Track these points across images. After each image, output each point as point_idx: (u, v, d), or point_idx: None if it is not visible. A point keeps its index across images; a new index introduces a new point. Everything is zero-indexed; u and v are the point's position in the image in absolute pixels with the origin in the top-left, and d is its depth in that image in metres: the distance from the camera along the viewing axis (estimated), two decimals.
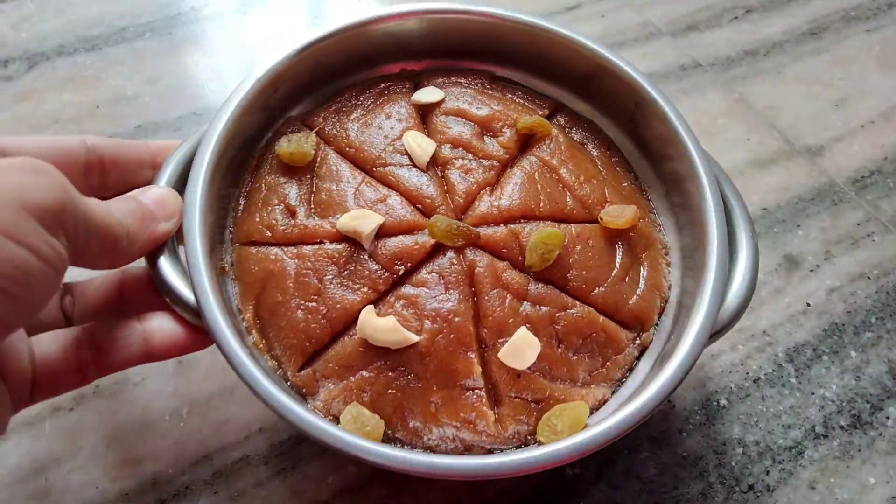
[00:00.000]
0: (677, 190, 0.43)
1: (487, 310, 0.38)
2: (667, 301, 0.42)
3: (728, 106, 0.65)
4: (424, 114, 0.46)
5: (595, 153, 0.46)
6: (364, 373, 0.36)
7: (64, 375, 0.35)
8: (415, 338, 0.36)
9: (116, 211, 0.33)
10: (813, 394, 0.47)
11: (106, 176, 0.38)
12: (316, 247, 0.39)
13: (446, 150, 0.43)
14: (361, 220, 0.39)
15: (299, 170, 0.43)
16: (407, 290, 0.38)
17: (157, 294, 0.37)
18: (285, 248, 0.40)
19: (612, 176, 0.45)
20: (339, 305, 0.37)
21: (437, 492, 0.42)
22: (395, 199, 0.41)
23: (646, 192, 0.46)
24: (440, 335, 0.36)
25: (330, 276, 0.38)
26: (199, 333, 0.37)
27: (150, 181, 0.39)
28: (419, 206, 0.41)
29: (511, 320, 0.37)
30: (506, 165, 0.43)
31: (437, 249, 0.39)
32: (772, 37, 0.71)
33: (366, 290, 0.38)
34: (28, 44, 0.65)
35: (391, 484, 0.42)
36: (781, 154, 0.61)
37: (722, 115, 0.64)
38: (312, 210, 0.41)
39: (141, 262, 0.37)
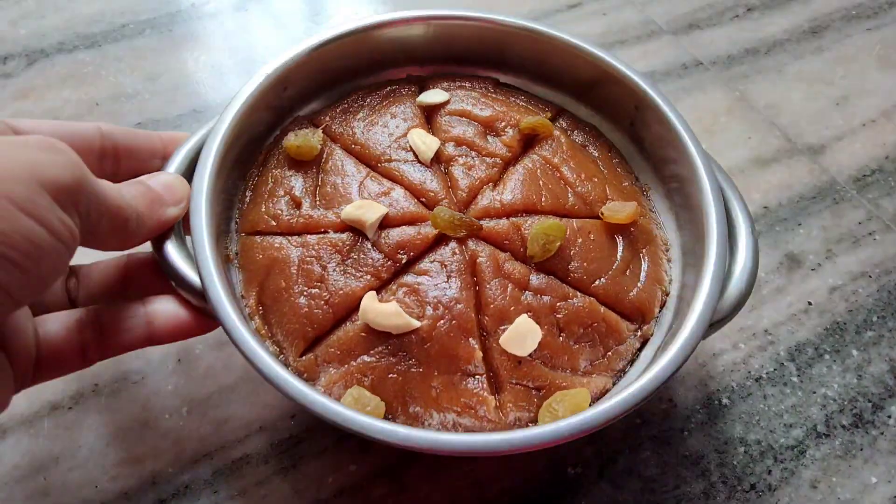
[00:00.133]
0: (678, 191, 0.44)
1: (489, 298, 0.38)
2: (667, 295, 0.42)
3: (729, 104, 0.64)
4: (429, 114, 0.47)
5: (596, 154, 0.47)
6: (365, 357, 0.37)
7: (67, 357, 0.35)
8: (416, 323, 0.36)
9: (127, 193, 0.34)
10: (814, 393, 0.47)
11: (119, 163, 0.39)
12: (320, 236, 0.40)
13: (450, 148, 0.44)
14: (365, 209, 0.39)
15: (305, 164, 0.43)
16: (409, 278, 0.38)
17: (161, 278, 0.37)
18: (290, 238, 0.40)
19: (613, 175, 0.45)
20: (341, 292, 0.38)
21: (438, 490, 0.42)
22: (398, 192, 0.41)
23: (646, 193, 0.46)
24: (441, 321, 0.37)
25: (333, 265, 0.39)
26: (202, 317, 0.37)
27: (159, 170, 0.40)
28: (422, 199, 0.42)
29: (512, 308, 0.38)
30: (508, 163, 0.44)
31: (440, 240, 0.40)
32: (773, 35, 0.71)
33: (369, 277, 0.38)
34: (28, 40, 0.65)
35: (392, 483, 0.42)
36: (783, 152, 0.61)
37: (723, 114, 0.64)
38: (317, 202, 0.41)
39: (146, 247, 0.38)
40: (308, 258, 0.39)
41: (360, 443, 0.43)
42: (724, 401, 0.47)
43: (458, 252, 0.39)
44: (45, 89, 0.61)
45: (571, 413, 0.35)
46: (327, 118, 0.46)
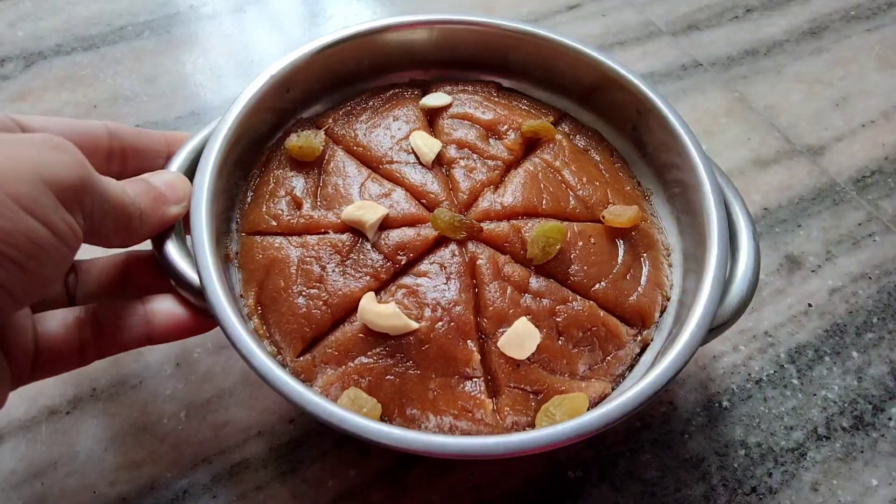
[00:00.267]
0: (680, 196, 0.44)
1: (488, 301, 0.38)
2: (668, 300, 0.42)
3: (728, 105, 0.64)
4: (431, 117, 0.47)
5: (598, 158, 0.47)
6: (363, 359, 0.36)
7: (65, 355, 0.35)
8: (415, 325, 0.36)
9: (131, 191, 0.34)
10: (815, 395, 0.47)
11: (126, 163, 0.39)
12: (320, 236, 0.40)
13: (452, 151, 0.44)
14: (366, 210, 0.39)
15: (307, 165, 0.43)
16: (408, 279, 0.38)
17: (161, 277, 0.37)
18: (290, 238, 0.40)
19: (614, 180, 0.45)
20: (340, 292, 0.38)
21: (438, 495, 0.42)
22: (399, 194, 0.41)
23: (648, 197, 0.46)
24: (440, 322, 0.37)
25: (333, 265, 0.39)
26: (200, 316, 0.37)
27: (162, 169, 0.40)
28: (423, 201, 0.42)
29: (511, 311, 0.38)
30: (510, 166, 0.44)
31: (440, 242, 0.40)
32: (772, 36, 0.71)
33: (368, 278, 0.38)
34: (25, 43, 0.65)
35: (392, 487, 0.42)
36: (782, 153, 0.61)
37: (722, 115, 0.64)
38: (318, 202, 0.42)
39: (147, 245, 0.38)
40: (307, 258, 0.39)
41: (359, 447, 0.43)
42: (725, 403, 0.46)
43: (457, 254, 0.39)
44: (42, 91, 0.61)
45: (569, 417, 0.34)
46: (330, 120, 0.46)
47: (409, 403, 0.36)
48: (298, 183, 0.43)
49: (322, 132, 0.44)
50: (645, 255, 0.42)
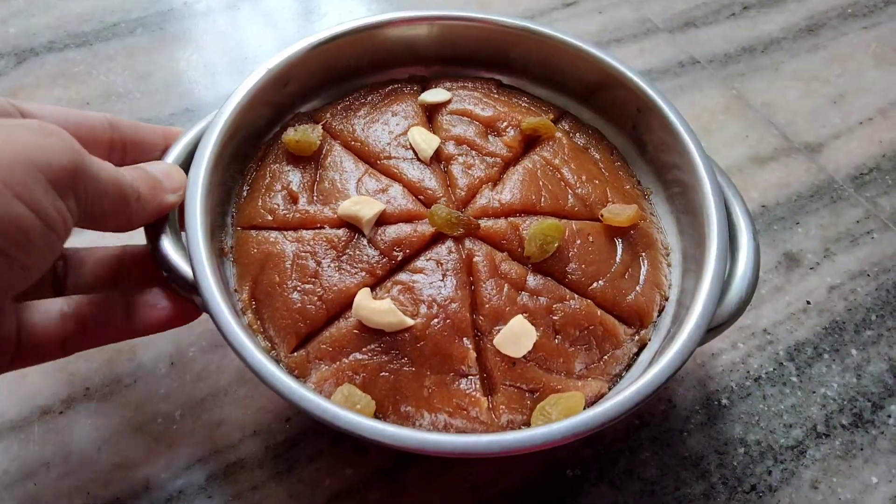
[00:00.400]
0: (680, 195, 0.43)
1: (484, 298, 0.38)
2: (667, 300, 0.41)
3: (726, 103, 0.64)
4: (430, 113, 0.47)
5: (598, 157, 0.46)
6: (357, 355, 0.36)
7: (47, 346, 0.35)
8: (410, 321, 0.36)
9: (128, 174, 0.33)
10: (814, 392, 0.47)
11: (125, 155, 0.39)
12: (316, 231, 0.40)
13: (450, 147, 0.44)
14: (362, 205, 0.39)
15: (304, 159, 0.43)
16: (404, 276, 0.38)
17: (154, 273, 0.37)
18: (285, 233, 0.40)
19: (614, 178, 0.45)
20: (335, 288, 0.38)
21: (435, 494, 0.42)
22: (396, 190, 0.41)
23: (648, 196, 0.46)
24: (435, 319, 0.36)
25: (328, 260, 0.38)
26: (183, 305, 0.37)
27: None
28: (420, 197, 0.41)
29: (508, 309, 0.37)
30: (509, 163, 0.44)
31: (437, 239, 0.40)
32: (769, 33, 0.70)
33: (363, 274, 0.38)
34: (17, 39, 0.64)
35: (389, 486, 0.42)
36: (780, 151, 0.61)
37: (720, 112, 0.63)
38: (315, 197, 0.41)
39: (142, 240, 0.37)
40: (303, 253, 0.39)
41: (356, 445, 0.43)
42: (724, 401, 0.46)
43: (454, 251, 0.39)
44: (34, 88, 0.61)
45: (565, 417, 0.34)
46: (328, 115, 0.46)
47: (404, 400, 0.36)
48: (295, 177, 0.42)
49: (319, 127, 0.44)
50: (643, 254, 0.42)
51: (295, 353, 0.37)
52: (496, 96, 0.47)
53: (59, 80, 0.61)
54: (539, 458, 0.43)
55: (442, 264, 0.38)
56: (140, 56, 0.64)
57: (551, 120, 0.47)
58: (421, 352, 0.36)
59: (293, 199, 0.41)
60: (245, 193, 0.43)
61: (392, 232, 0.39)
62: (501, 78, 0.50)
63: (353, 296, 0.37)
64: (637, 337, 0.40)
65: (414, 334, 0.36)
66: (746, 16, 0.72)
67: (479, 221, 0.40)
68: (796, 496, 0.43)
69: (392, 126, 0.44)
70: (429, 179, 0.42)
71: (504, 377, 0.36)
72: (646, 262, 0.42)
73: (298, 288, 0.38)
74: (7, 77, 0.61)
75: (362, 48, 0.47)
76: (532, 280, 0.39)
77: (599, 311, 0.39)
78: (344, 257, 0.39)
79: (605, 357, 0.39)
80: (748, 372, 0.48)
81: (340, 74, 0.48)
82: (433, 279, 0.38)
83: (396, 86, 0.48)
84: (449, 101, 0.46)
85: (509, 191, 0.41)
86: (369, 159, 0.43)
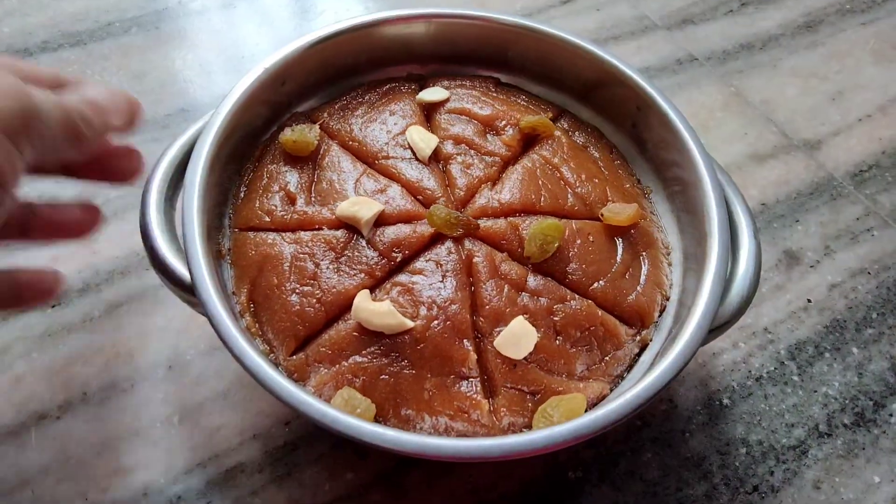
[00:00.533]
0: (680, 194, 0.43)
1: (484, 299, 0.37)
2: (668, 299, 0.41)
3: (724, 100, 0.64)
4: (429, 112, 0.46)
5: (597, 155, 0.46)
6: (357, 358, 0.36)
7: None
8: (410, 323, 0.36)
9: (67, 100, 0.32)
10: (815, 392, 0.47)
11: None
12: (314, 233, 0.39)
13: (449, 147, 0.44)
14: (361, 206, 0.39)
15: (302, 159, 0.43)
16: (403, 277, 0.38)
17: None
18: (283, 234, 0.40)
19: (614, 177, 0.45)
20: (334, 290, 0.37)
21: (436, 497, 0.41)
22: (395, 190, 0.41)
23: (648, 195, 0.46)
24: (435, 321, 0.36)
25: (327, 262, 0.38)
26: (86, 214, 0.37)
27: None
28: (419, 197, 0.41)
29: (508, 310, 0.37)
30: (508, 163, 0.44)
31: (436, 239, 0.39)
32: (767, 30, 0.70)
33: (362, 276, 0.38)
34: (11, 39, 0.64)
35: (390, 489, 0.41)
36: (779, 148, 0.60)
37: (719, 109, 0.63)
38: (313, 198, 0.41)
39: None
40: (301, 255, 0.38)
41: (356, 449, 0.43)
42: (725, 401, 0.46)
43: (454, 251, 0.39)
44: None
45: (567, 419, 0.34)
46: (325, 114, 0.46)
47: (404, 404, 0.35)
48: (292, 178, 0.42)
49: (317, 126, 0.44)
50: (644, 253, 0.41)
51: (294, 357, 0.37)
52: (494, 95, 0.47)
53: None
54: (540, 461, 0.43)
55: (441, 265, 0.38)
56: (135, 55, 0.64)
57: (550, 118, 0.46)
58: (421, 354, 0.36)
59: (291, 200, 0.41)
60: (242, 194, 0.43)
61: (391, 233, 0.39)
62: (500, 76, 0.50)
63: (353, 298, 0.37)
64: (638, 337, 0.40)
65: (414, 336, 0.36)
66: (744, 12, 0.72)
67: (479, 221, 0.40)
68: (799, 496, 0.43)
69: (390, 125, 0.44)
70: (427, 179, 0.41)
71: (505, 379, 0.36)
72: (646, 261, 0.41)
73: (297, 290, 0.38)
74: None
75: (359, 46, 0.47)
76: (532, 280, 0.38)
77: (600, 312, 0.39)
78: (343, 259, 0.38)
79: (607, 358, 0.38)
80: (749, 371, 0.47)
81: (338, 73, 0.48)
82: (433, 280, 0.38)
83: (394, 84, 0.48)
84: (447, 100, 0.46)
85: (508, 190, 0.41)
86: (367, 159, 0.43)
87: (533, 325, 0.37)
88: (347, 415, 0.32)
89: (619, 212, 0.41)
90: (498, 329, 0.37)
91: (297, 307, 0.37)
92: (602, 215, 0.41)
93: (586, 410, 0.35)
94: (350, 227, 0.39)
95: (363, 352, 0.36)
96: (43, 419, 0.43)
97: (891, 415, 0.46)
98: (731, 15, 0.72)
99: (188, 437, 0.43)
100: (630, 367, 0.39)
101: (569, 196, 0.42)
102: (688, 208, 0.42)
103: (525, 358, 0.36)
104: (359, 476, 0.42)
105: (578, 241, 0.40)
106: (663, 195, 0.45)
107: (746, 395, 0.46)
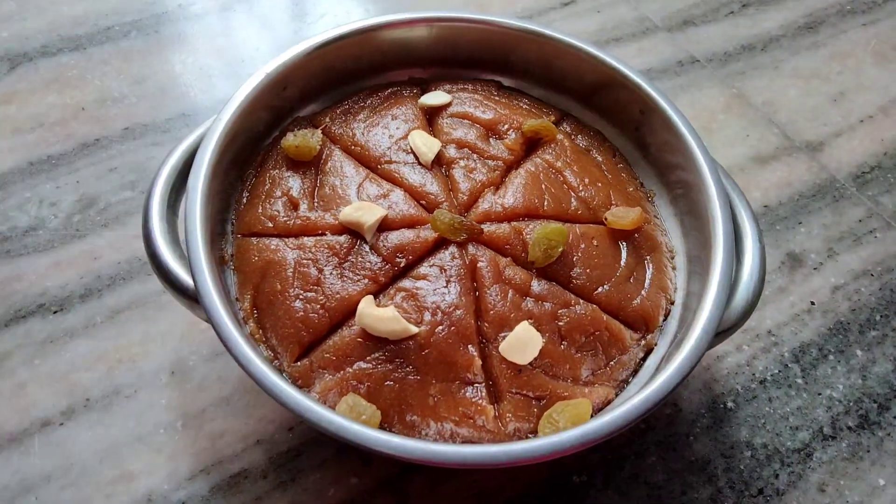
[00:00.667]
0: (684, 197, 0.43)
1: (489, 304, 0.37)
2: (672, 303, 0.41)
3: (726, 101, 0.64)
4: (431, 116, 0.46)
5: (600, 159, 0.46)
6: (361, 364, 0.36)
7: None
8: (414, 329, 0.36)
9: None
10: (820, 394, 0.47)
11: None
12: (317, 238, 0.39)
13: (451, 151, 0.44)
14: (364, 211, 0.39)
15: (304, 164, 0.43)
16: (407, 282, 0.38)
17: None
18: (286, 240, 0.40)
19: (617, 181, 0.45)
20: (338, 296, 0.37)
21: (441, 502, 0.41)
22: (398, 195, 0.41)
23: (651, 199, 0.46)
24: (440, 327, 0.36)
25: (330, 268, 0.38)
26: None
27: None
28: (422, 202, 0.41)
29: (513, 315, 0.37)
30: (510, 167, 0.44)
31: (440, 244, 0.39)
32: (768, 31, 0.70)
33: (366, 281, 0.38)
34: (9, 44, 0.64)
35: (394, 495, 0.41)
36: (781, 150, 0.60)
37: (721, 111, 0.63)
38: (315, 203, 0.41)
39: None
40: (304, 261, 0.38)
41: (360, 454, 0.42)
42: (730, 404, 0.46)
43: (457, 256, 0.38)
44: (28, 94, 0.60)
45: (573, 424, 0.34)
46: (327, 119, 0.46)
47: (409, 410, 0.35)
48: (295, 183, 0.42)
49: (319, 131, 0.44)
50: (648, 257, 0.41)
51: (298, 363, 0.37)
52: (497, 98, 0.47)
53: (52, 85, 0.61)
54: (545, 465, 0.43)
55: (445, 270, 0.38)
56: (135, 60, 0.64)
57: (552, 122, 0.46)
58: (426, 360, 0.36)
59: (294, 205, 0.41)
60: (245, 200, 0.43)
61: (394, 238, 0.39)
62: (502, 79, 0.50)
63: (356, 303, 0.37)
64: (643, 342, 0.39)
65: (418, 342, 0.36)
66: (745, 14, 0.72)
67: (482, 226, 0.39)
68: (804, 499, 0.43)
69: (392, 130, 0.44)
70: (430, 184, 0.41)
71: (510, 385, 0.36)
72: (651, 265, 0.41)
73: (300, 296, 0.37)
74: (0, 83, 0.60)
75: (361, 50, 0.47)
76: (537, 285, 0.38)
77: (605, 316, 0.39)
78: (346, 264, 0.38)
79: (612, 363, 0.38)
80: (753, 374, 0.47)
81: (339, 77, 0.48)
82: (437, 286, 0.37)
83: (396, 89, 0.48)
84: (449, 104, 0.46)
85: (512, 194, 0.41)
86: (370, 164, 0.43)
87: (538, 330, 0.37)
88: (354, 422, 0.31)
89: (622, 216, 0.41)
90: (503, 334, 0.37)
91: (301, 313, 0.37)
92: (606, 219, 0.41)
93: (592, 415, 0.35)
94: (353, 232, 0.39)
95: (367, 358, 0.36)
96: (46, 426, 0.43)
97: (895, 417, 0.46)
98: (732, 16, 0.71)
99: (191, 443, 0.43)
100: (635, 372, 0.39)
101: (572, 200, 0.42)
102: (691, 212, 0.42)
103: (530, 363, 0.36)
104: (363, 482, 0.42)
105: (582, 246, 0.40)
106: (667, 198, 0.45)
107: (751, 398, 0.46)
